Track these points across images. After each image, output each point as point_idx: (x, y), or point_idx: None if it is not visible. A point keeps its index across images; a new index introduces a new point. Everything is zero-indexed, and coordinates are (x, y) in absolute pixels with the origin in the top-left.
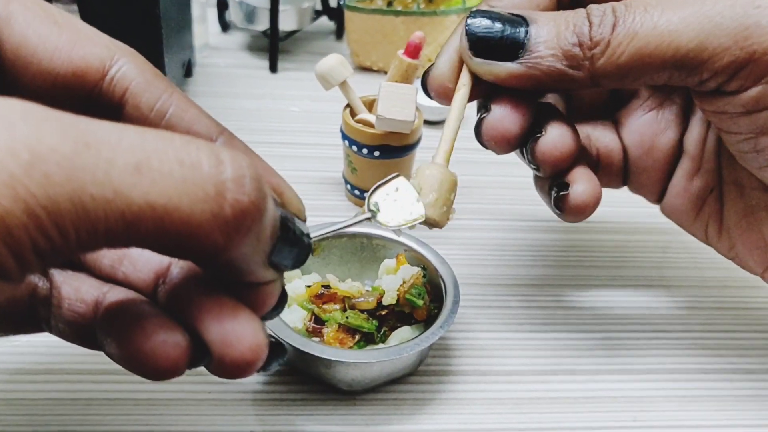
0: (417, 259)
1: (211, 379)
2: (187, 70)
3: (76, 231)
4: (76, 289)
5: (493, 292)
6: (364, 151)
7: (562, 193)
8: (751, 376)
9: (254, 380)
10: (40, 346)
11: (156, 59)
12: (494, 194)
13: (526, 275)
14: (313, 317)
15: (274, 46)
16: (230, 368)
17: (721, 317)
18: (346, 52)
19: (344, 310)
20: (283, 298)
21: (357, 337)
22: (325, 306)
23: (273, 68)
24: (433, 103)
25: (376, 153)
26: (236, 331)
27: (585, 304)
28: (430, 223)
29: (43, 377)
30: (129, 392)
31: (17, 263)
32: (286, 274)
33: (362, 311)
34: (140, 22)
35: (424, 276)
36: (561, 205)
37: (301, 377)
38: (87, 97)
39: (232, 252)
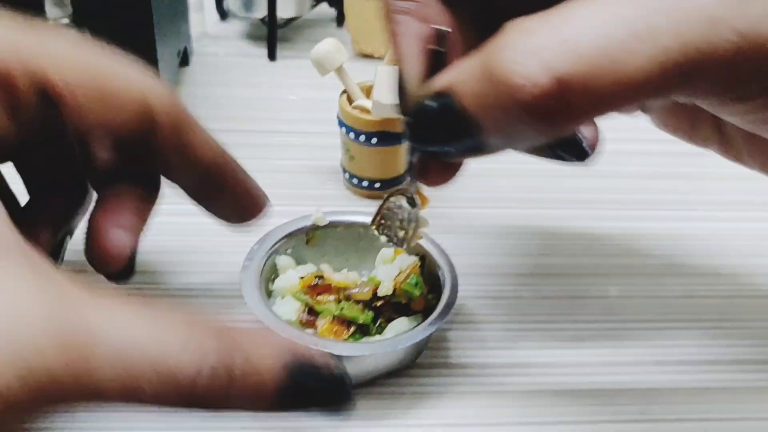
0: (414, 249)
1: None
2: (184, 59)
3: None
4: None
5: (494, 282)
6: (362, 138)
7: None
8: (765, 367)
9: None
10: None
11: (147, 47)
12: (493, 183)
13: (529, 265)
14: (307, 309)
15: (272, 34)
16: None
17: (733, 306)
18: (346, 38)
19: (339, 301)
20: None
21: (352, 329)
22: (319, 297)
23: (272, 56)
24: None
25: (374, 140)
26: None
27: (590, 293)
28: None
29: None
30: None
31: None
32: (281, 265)
33: (357, 302)
34: (130, 9)
35: (422, 266)
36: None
37: None
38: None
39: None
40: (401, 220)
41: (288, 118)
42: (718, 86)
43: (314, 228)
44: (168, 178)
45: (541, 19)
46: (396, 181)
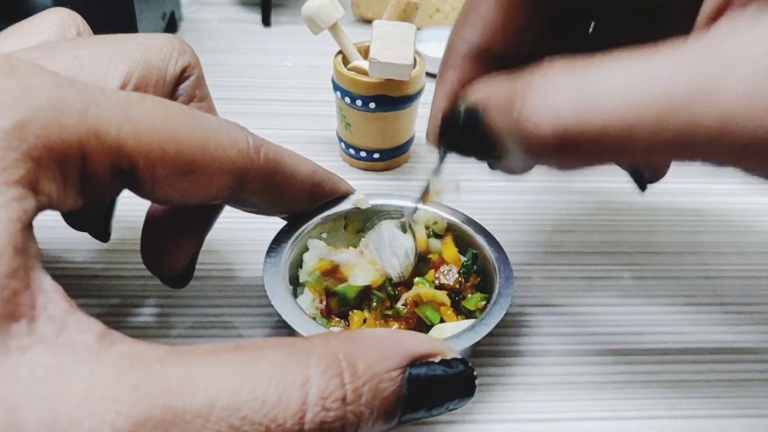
0: (466, 241)
1: None
2: (170, 25)
3: None
4: None
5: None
6: (358, 102)
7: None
8: None
9: None
10: None
11: (124, 9)
12: None
13: (547, 242)
14: (324, 299)
15: None
16: None
17: (756, 288)
18: (346, 2)
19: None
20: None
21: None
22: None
23: (266, 22)
24: (437, 53)
25: (371, 105)
26: None
27: (612, 274)
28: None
29: None
30: None
31: None
32: (312, 249)
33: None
34: None
35: (467, 269)
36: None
37: None
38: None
39: None
40: (392, 248)
41: (282, 85)
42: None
43: (354, 211)
44: (257, 213)
45: (571, 68)
46: (398, 150)
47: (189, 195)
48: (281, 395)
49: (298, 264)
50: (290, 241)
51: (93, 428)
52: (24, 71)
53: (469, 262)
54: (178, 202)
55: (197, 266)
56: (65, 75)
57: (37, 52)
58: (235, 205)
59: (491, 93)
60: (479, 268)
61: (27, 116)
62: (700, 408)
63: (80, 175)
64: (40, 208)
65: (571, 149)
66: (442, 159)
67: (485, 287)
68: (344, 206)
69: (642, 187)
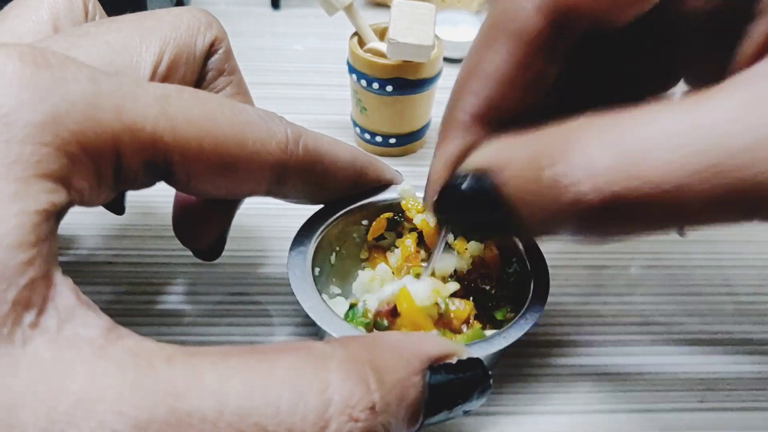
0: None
1: None
2: (179, 4)
3: None
4: None
5: None
6: (375, 85)
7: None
8: None
9: None
10: None
11: None
12: None
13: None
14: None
15: None
16: None
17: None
18: None
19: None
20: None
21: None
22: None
23: (275, 4)
24: (455, 37)
25: (389, 88)
26: None
27: (623, 262)
28: None
29: None
30: None
31: None
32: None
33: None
34: None
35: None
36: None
37: None
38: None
39: None
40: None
41: (293, 69)
42: None
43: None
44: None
45: (612, 122)
46: (414, 135)
47: (227, 190)
48: (298, 402)
49: (324, 258)
50: (316, 234)
51: (91, 430)
52: (59, 64)
53: (511, 279)
54: (216, 197)
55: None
56: (98, 63)
57: (66, 41)
58: (276, 197)
59: (508, 154)
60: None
61: (61, 110)
62: (732, 401)
63: (114, 171)
64: (70, 204)
65: (618, 213)
66: (442, 234)
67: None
68: (389, 195)
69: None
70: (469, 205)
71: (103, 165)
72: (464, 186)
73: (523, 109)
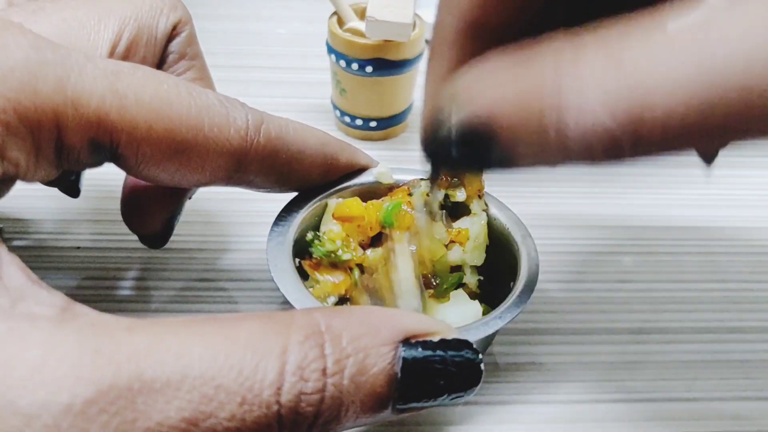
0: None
1: None
2: None
3: None
4: None
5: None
6: (354, 66)
7: None
8: None
9: None
10: None
11: None
12: None
13: (565, 214)
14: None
15: None
16: None
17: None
18: None
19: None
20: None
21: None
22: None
23: None
24: None
25: (368, 68)
26: None
27: (616, 249)
28: None
29: None
30: None
31: None
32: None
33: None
34: None
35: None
36: None
37: None
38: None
39: None
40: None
41: (275, 53)
42: None
43: (376, 185)
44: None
45: (604, 43)
46: (396, 119)
47: (180, 177)
48: (258, 364)
49: (303, 242)
50: (297, 217)
51: (50, 394)
52: (0, 29)
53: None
54: (169, 183)
55: (186, 238)
56: (52, 40)
57: (18, 15)
58: (238, 186)
59: (497, 92)
60: (499, 246)
61: None
62: (720, 390)
63: (55, 147)
64: (4, 175)
65: (633, 141)
66: (434, 177)
67: (501, 266)
68: (365, 179)
69: (709, 160)
70: (459, 154)
71: (42, 138)
72: (453, 136)
73: (516, 19)
